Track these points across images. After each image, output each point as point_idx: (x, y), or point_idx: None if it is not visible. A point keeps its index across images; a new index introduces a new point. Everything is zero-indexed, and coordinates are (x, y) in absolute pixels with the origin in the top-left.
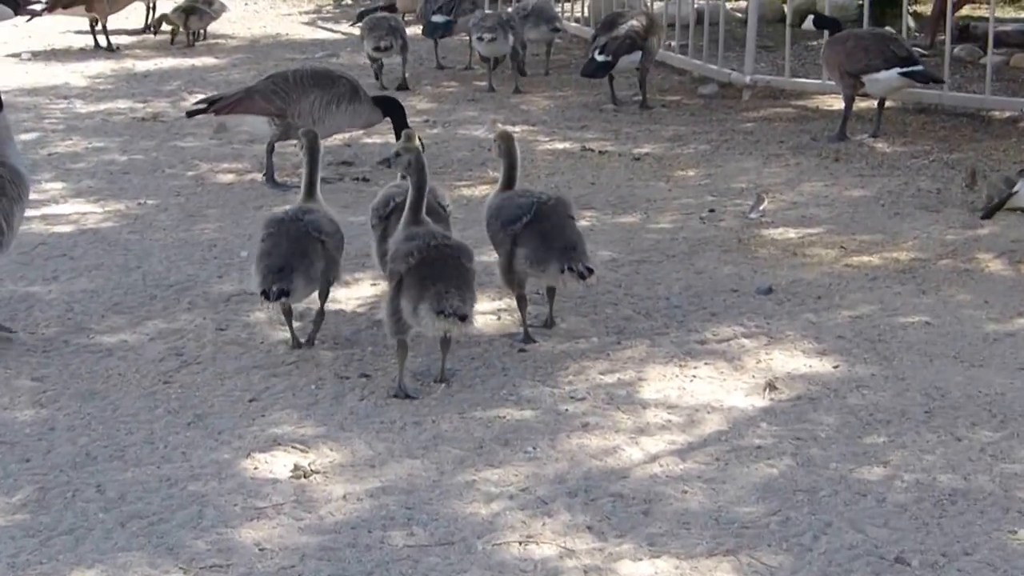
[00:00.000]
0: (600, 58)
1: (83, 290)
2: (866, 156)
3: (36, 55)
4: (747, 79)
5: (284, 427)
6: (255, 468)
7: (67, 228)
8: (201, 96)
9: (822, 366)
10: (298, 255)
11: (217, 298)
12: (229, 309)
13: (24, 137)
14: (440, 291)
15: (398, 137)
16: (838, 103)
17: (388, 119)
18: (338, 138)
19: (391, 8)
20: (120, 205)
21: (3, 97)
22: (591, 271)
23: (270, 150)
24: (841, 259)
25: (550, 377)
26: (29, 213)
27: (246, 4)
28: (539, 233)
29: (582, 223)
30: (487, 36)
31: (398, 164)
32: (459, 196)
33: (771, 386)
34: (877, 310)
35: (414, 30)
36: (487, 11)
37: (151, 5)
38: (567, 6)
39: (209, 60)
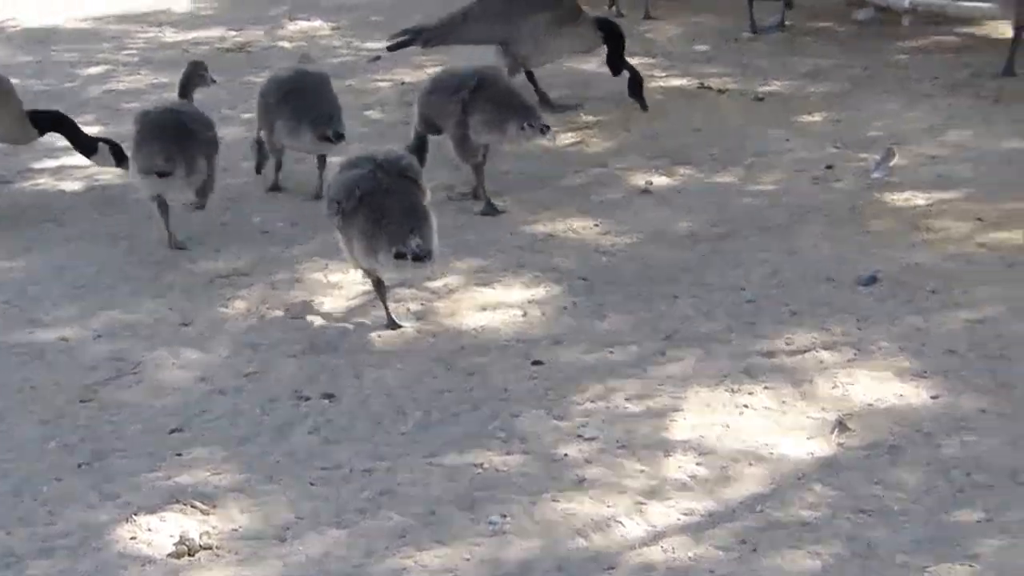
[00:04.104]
0: None
1: (52, 267)
2: None
3: None
4: (906, 2)
5: (197, 472)
6: (131, 538)
7: (74, 185)
8: (304, 23)
9: (917, 396)
10: (335, 104)
11: (199, 279)
12: (205, 296)
13: (90, 71)
14: None
15: (614, 71)
16: (1010, 31)
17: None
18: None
19: None
20: None
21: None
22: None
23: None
24: (975, 235)
25: (560, 403)
26: (44, 165)
27: None
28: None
29: (669, 181)
30: None
31: None
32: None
33: (842, 425)
34: (1005, 312)
35: None
36: None
37: None
38: None
39: None
